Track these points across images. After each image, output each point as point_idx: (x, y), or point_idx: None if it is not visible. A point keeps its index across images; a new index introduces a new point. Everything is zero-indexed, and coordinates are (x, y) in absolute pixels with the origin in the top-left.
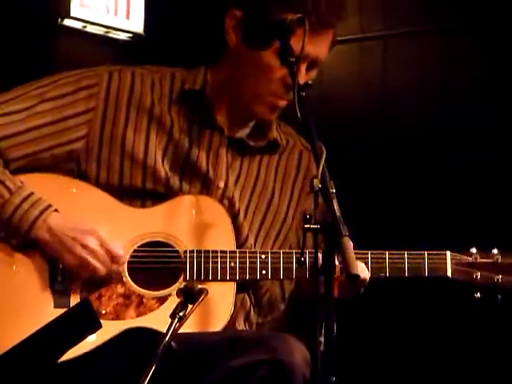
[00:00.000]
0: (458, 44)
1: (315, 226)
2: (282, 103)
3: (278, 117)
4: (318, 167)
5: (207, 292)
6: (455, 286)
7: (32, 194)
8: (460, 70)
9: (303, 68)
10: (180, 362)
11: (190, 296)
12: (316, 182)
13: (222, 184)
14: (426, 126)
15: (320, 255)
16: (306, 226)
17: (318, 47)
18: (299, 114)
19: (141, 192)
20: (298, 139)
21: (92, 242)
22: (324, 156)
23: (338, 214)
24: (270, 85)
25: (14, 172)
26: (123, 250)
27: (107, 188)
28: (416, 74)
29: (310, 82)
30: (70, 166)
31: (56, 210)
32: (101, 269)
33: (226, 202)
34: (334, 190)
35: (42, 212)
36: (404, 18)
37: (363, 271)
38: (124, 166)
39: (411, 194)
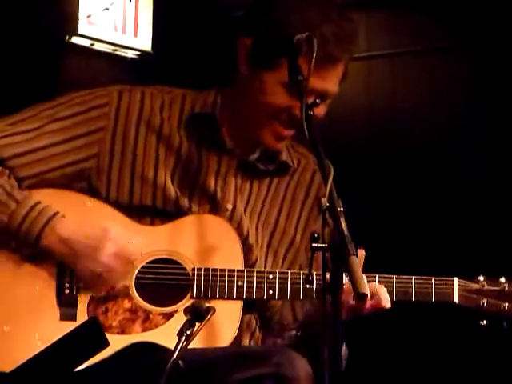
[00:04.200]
0: (463, 61)
1: (323, 245)
2: (288, 133)
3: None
4: (325, 186)
5: (214, 310)
6: (461, 312)
7: (39, 202)
8: (466, 87)
9: (312, 100)
10: (184, 376)
11: (198, 314)
12: (324, 200)
13: (229, 206)
14: (435, 144)
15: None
16: (313, 244)
17: (325, 82)
18: (307, 133)
19: (150, 211)
20: (312, 159)
21: (109, 248)
22: (332, 174)
23: (345, 232)
24: (276, 113)
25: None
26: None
27: (117, 206)
28: (423, 91)
29: (318, 101)
30: (82, 184)
31: (63, 217)
32: (118, 278)
33: (234, 224)
34: (342, 209)
35: (48, 220)
36: (410, 36)
37: (387, 302)
38: (134, 184)
39: (419, 217)
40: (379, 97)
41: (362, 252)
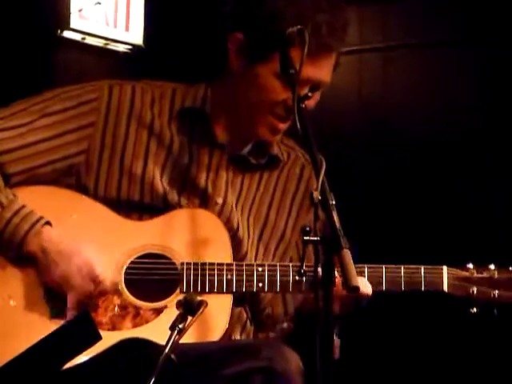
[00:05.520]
0: (458, 54)
1: (315, 238)
2: (283, 126)
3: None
4: (317, 179)
5: (207, 304)
6: (451, 300)
7: (23, 207)
8: (460, 81)
9: (305, 91)
10: (175, 370)
11: (190, 308)
12: (316, 194)
13: (220, 200)
14: (427, 138)
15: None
16: (305, 238)
17: (320, 70)
18: (299, 126)
19: (138, 206)
20: (300, 153)
21: (74, 267)
22: (324, 168)
23: (337, 225)
24: (272, 107)
25: (14, 186)
26: (106, 274)
27: (105, 201)
28: (416, 85)
29: (309, 94)
30: (70, 180)
31: (48, 223)
32: (78, 294)
33: (224, 218)
34: (334, 202)
35: (32, 226)
36: (403, 29)
37: (365, 286)
38: (122, 180)
39: (409, 208)
40: (372, 90)
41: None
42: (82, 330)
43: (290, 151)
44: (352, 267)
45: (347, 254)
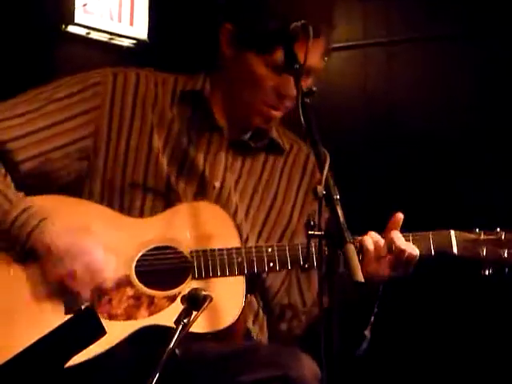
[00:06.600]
0: (462, 50)
1: (319, 233)
2: (277, 114)
3: (282, 125)
4: (321, 173)
5: (212, 299)
6: (460, 268)
7: (31, 206)
8: (464, 76)
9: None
10: (192, 373)
11: (195, 303)
12: (320, 188)
13: (217, 184)
14: (431, 132)
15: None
16: (309, 232)
17: (309, 56)
18: (303, 121)
19: (142, 190)
20: (304, 145)
21: (79, 265)
22: (328, 162)
23: (342, 220)
24: (262, 95)
25: (25, 175)
26: (110, 273)
27: (111, 185)
28: (420, 80)
29: (314, 89)
30: (82, 164)
31: (55, 221)
32: (82, 292)
33: (221, 201)
34: (338, 196)
35: (38, 223)
36: (408, 24)
37: (414, 249)
38: (128, 163)
39: (410, 203)
40: (376, 85)
41: (400, 215)
42: (86, 325)
43: (293, 143)
44: (356, 262)
45: (351, 249)
